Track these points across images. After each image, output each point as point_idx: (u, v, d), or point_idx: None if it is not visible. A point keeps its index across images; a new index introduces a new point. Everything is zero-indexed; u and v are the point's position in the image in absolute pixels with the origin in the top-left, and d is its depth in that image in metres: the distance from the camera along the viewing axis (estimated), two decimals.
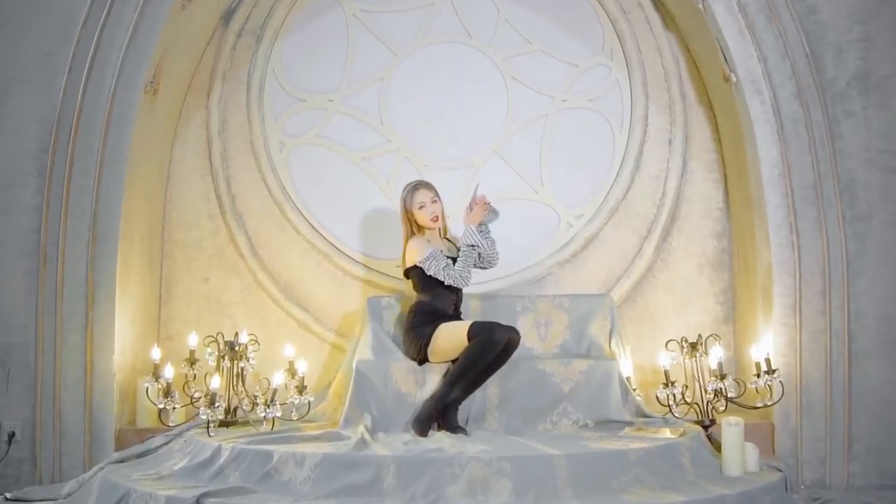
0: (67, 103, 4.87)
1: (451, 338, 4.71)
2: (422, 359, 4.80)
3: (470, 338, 4.60)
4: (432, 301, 4.89)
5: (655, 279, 5.69)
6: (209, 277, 5.64)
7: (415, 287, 4.98)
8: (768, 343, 5.06)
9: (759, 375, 4.90)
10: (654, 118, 5.76)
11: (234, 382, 4.97)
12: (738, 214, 5.57)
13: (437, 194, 5.01)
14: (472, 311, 5.18)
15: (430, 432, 4.58)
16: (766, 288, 5.13)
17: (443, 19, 5.80)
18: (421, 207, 4.96)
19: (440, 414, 4.65)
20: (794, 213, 5.02)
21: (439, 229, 5.06)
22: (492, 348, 4.57)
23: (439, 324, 4.77)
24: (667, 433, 4.55)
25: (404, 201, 5.00)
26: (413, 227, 4.99)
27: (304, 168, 5.71)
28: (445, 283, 4.82)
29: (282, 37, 5.76)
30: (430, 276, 4.84)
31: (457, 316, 4.96)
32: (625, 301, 5.62)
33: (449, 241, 5.13)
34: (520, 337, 4.70)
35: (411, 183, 5.06)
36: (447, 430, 4.58)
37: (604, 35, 5.81)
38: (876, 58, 4.99)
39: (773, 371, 4.86)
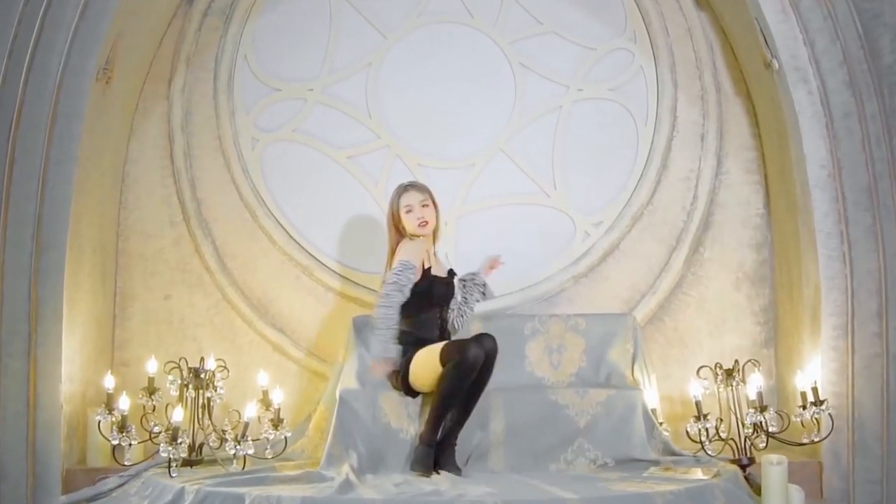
0: (7, 94, 4.85)
1: (425, 367, 4.74)
2: (408, 392, 4.84)
3: (443, 363, 4.63)
4: (413, 330, 4.88)
5: (685, 296, 5.71)
6: (171, 294, 5.67)
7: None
8: (816, 370, 5.06)
9: (804, 407, 4.91)
10: (683, 110, 5.79)
11: (200, 415, 4.99)
12: (781, 222, 5.60)
13: (430, 198, 5.04)
14: (474, 334, 5.19)
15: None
16: (814, 306, 5.14)
17: None
18: (408, 211, 4.98)
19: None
20: (846, 221, 5.02)
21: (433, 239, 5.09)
22: (468, 370, 4.57)
23: (416, 351, 4.79)
24: (698, 474, 4.58)
25: (391, 203, 5.04)
26: (402, 234, 5.01)
27: (280, 168, 5.74)
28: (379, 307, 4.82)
29: (254, 16, 5.79)
30: (412, 291, 4.85)
31: (444, 339, 4.95)
32: (650, 321, 5.65)
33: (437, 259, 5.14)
34: (496, 343, 4.67)
35: (402, 183, 5.10)
36: (443, 468, 4.62)
37: (626, 14, 5.85)
38: None
39: (822, 402, 4.87)
